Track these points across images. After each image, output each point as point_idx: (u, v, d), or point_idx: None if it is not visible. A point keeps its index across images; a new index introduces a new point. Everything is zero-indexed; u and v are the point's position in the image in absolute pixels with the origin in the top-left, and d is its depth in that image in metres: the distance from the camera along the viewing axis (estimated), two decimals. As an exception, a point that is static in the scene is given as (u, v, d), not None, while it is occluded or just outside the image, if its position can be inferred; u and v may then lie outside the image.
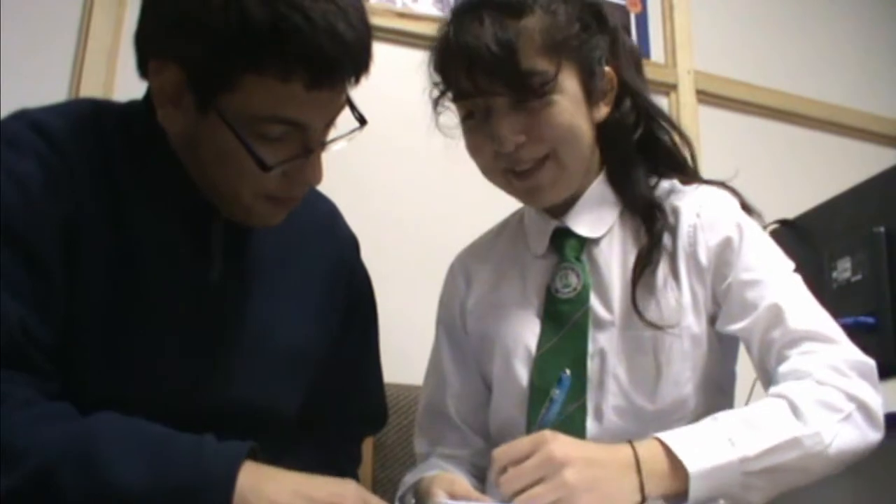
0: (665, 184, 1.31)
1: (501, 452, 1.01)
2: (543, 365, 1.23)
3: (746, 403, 1.56)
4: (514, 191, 1.28)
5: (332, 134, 1.09)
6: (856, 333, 1.56)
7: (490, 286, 1.36)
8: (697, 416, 1.18)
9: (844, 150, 3.31)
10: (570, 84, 1.21)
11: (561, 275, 1.27)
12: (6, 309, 0.94)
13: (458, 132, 1.29)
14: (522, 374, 1.25)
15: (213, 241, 1.12)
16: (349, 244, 1.35)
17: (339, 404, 1.30)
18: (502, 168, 1.24)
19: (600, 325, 1.23)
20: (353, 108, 1.10)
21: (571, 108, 1.21)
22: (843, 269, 1.67)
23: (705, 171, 3.02)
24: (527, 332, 1.27)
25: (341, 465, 1.33)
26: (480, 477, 1.33)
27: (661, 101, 3.01)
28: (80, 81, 1.98)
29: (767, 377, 1.17)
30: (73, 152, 1.03)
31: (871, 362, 1.14)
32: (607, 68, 1.27)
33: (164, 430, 0.95)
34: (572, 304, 1.24)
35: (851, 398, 1.08)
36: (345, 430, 1.35)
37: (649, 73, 2.99)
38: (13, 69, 1.91)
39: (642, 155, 1.31)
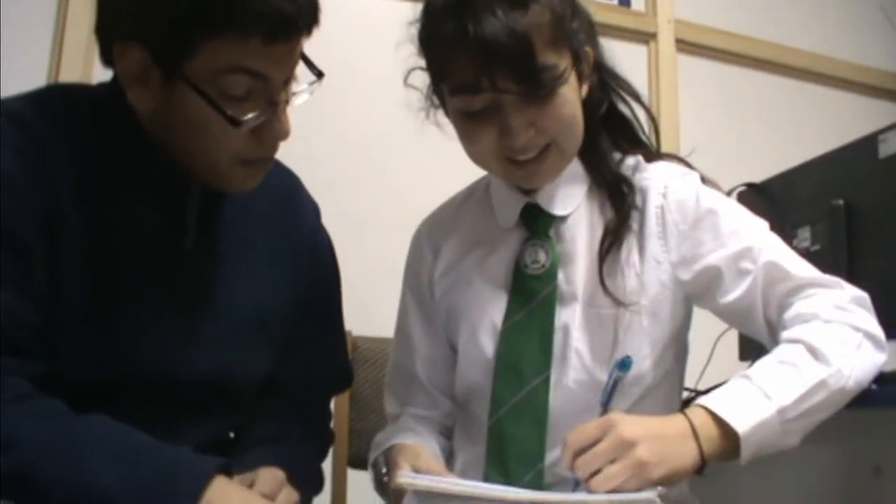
0: (630, 160, 1.34)
1: (574, 439, 1.08)
2: (510, 338, 1.27)
3: (705, 367, 1.64)
4: (510, 176, 1.31)
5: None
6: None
7: (456, 257, 1.40)
8: (653, 388, 1.27)
9: (826, 99, 3.34)
10: (570, 70, 1.23)
11: (530, 251, 1.31)
12: None
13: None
14: (488, 345, 1.30)
15: (187, 211, 1.17)
16: (310, 212, 1.40)
17: (305, 367, 1.36)
18: (503, 156, 1.26)
19: (565, 301, 1.27)
20: (309, 64, 1.15)
21: (573, 98, 1.24)
22: (804, 238, 1.71)
23: (684, 120, 3.07)
24: (492, 305, 1.31)
25: (312, 423, 1.39)
26: (448, 435, 1.40)
27: (641, 51, 3.04)
28: (58, 70, 1.99)
29: (772, 329, 1.24)
30: (48, 140, 1.07)
31: (865, 295, 1.23)
32: (587, 48, 1.30)
33: (148, 440, 1.01)
34: (540, 281, 1.28)
35: (857, 329, 1.17)
36: (312, 392, 1.40)
37: (629, 21, 3.04)
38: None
39: (606, 130, 1.34)
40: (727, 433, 1.08)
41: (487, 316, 1.31)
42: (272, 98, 1.10)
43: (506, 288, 1.32)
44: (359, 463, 1.84)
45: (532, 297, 1.28)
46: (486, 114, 1.22)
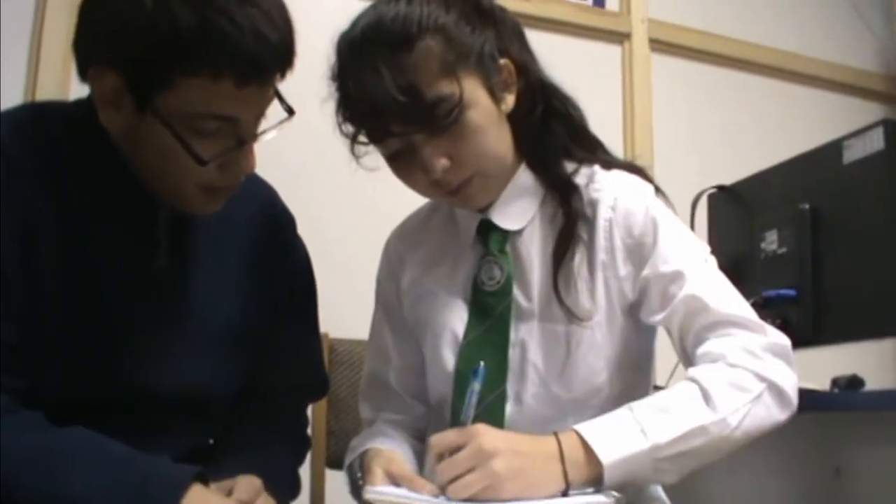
0: (584, 170, 1.32)
1: (436, 442, 1.10)
2: (468, 353, 1.29)
3: (670, 378, 1.66)
4: (450, 202, 1.33)
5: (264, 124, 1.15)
6: (777, 304, 1.68)
7: (422, 271, 1.41)
8: (615, 399, 1.26)
9: (800, 98, 3.36)
10: (475, 94, 1.21)
11: (486, 268, 1.31)
12: None
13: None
14: (449, 358, 1.31)
15: (159, 229, 1.19)
16: (285, 223, 1.41)
17: (280, 377, 1.37)
18: (434, 188, 1.26)
19: (522, 315, 1.29)
20: (282, 100, 1.16)
21: (484, 120, 1.22)
22: (771, 241, 1.75)
23: (658, 120, 3.09)
24: (455, 319, 1.32)
25: (289, 431, 1.41)
26: (421, 438, 1.41)
27: (615, 51, 3.07)
28: (35, 84, 1.99)
29: (687, 359, 1.24)
30: (22, 161, 1.09)
31: (785, 343, 1.18)
32: (502, 60, 1.26)
33: (125, 450, 1.03)
34: (496, 297, 1.29)
35: (762, 379, 1.13)
36: (288, 401, 1.42)
37: (603, 21, 3.06)
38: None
39: (549, 135, 1.32)
40: (593, 461, 1.08)
41: (449, 329, 1.33)
42: (241, 138, 1.11)
43: (467, 303, 1.33)
44: (336, 463, 1.86)
45: (489, 313, 1.30)
46: (404, 154, 1.23)
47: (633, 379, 1.32)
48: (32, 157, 1.10)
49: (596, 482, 1.09)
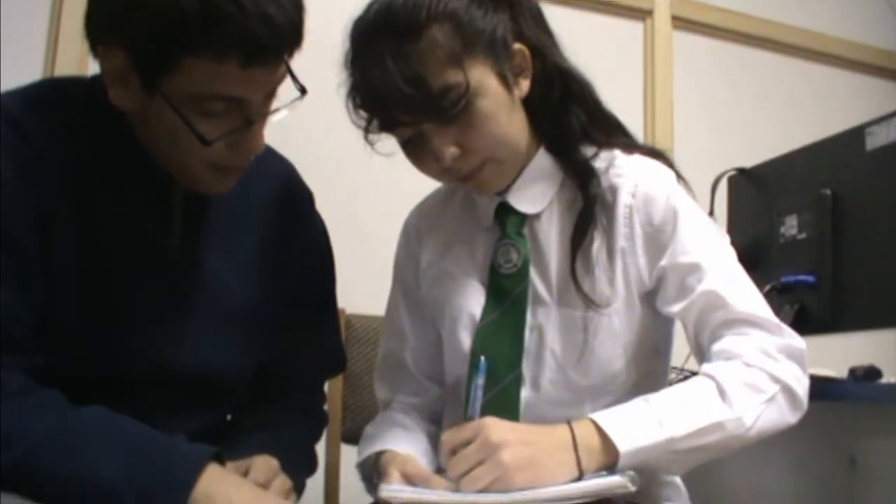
0: (605, 154, 1.31)
1: (448, 438, 1.11)
2: (484, 335, 1.29)
3: (686, 361, 1.65)
4: (465, 187, 1.32)
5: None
6: (796, 290, 1.68)
7: (440, 253, 1.41)
8: (632, 385, 1.27)
9: (823, 77, 3.32)
10: (485, 81, 1.20)
11: (503, 250, 1.31)
12: None
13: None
14: (465, 340, 1.31)
15: (173, 208, 1.19)
16: (304, 199, 1.41)
17: (298, 355, 1.38)
18: (448, 177, 1.28)
19: (539, 300, 1.28)
20: (294, 79, 1.15)
21: (494, 107, 1.21)
22: (791, 226, 1.74)
23: (679, 98, 3.07)
24: (472, 302, 1.32)
25: (306, 408, 1.43)
26: (437, 421, 1.42)
27: (636, 27, 3.04)
28: (54, 60, 1.99)
29: (701, 353, 1.24)
30: (39, 138, 1.09)
31: (801, 346, 1.19)
32: (516, 45, 1.25)
33: (144, 429, 1.04)
34: (513, 280, 1.29)
35: (776, 380, 1.14)
36: (306, 378, 1.43)
37: (625, -1, 3.01)
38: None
39: (568, 118, 1.31)
40: (608, 449, 1.08)
41: (466, 311, 1.33)
42: (248, 117, 1.11)
43: (485, 285, 1.33)
44: (352, 439, 1.88)
45: (505, 296, 1.30)
46: (415, 141, 1.23)
47: (651, 365, 1.32)
48: (49, 133, 1.11)
49: (609, 470, 1.10)
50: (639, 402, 1.13)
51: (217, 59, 1.02)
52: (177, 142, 1.09)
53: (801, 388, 1.17)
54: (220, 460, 1.06)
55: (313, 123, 2.07)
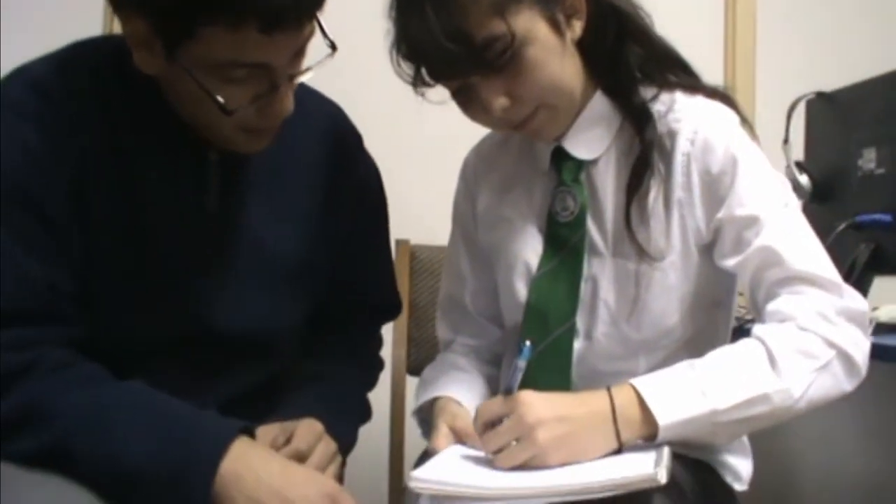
0: (665, 96, 1.27)
1: (481, 411, 1.09)
2: (540, 286, 1.28)
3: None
4: (519, 134, 1.29)
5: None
6: (871, 228, 1.60)
7: (497, 196, 1.39)
8: (688, 340, 1.25)
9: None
10: (533, 28, 1.16)
11: (560, 197, 1.29)
12: (30, 269, 1.05)
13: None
14: (521, 289, 1.30)
15: (209, 165, 1.19)
16: (351, 141, 1.40)
17: (352, 300, 1.39)
18: (500, 126, 1.26)
19: (595, 250, 1.26)
20: (325, 35, 1.12)
21: (544, 54, 1.17)
22: (869, 159, 1.65)
23: (762, 11, 2.91)
24: (528, 250, 1.31)
25: (361, 356, 1.45)
26: (497, 363, 1.43)
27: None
28: (113, 19, 1.98)
29: (756, 310, 1.20)
30: (72, 107, 1.10)
31: (862, 307, 1.14)
32: None
33: (173, 406, 1.06)
34: (570, 228, 1.27)
35: (832, 345, 1.10)
36: (360, 324, 1.44)
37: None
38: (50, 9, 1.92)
39: (627, 59, 1.26)
40: (648, 420, 1.06)
41: (521, 259, 1.31)
42: (274, 81, 1.09)
43: (542, 232, 1.32)
44: (417, 371, 1.90)
45: (563, 244, 1.28)
46: (465, 91, 1.20)
47: (711, 317, 1.29)
48: (82, 101, 1.11)
49: (648, 440, 1.08)
50: (684, 368, 1.11)
51: (234, 27, 1.00)
52: (202, 107, 1.09)
53: (860, 353, 1.12)
54: (251, 433, 1.08)
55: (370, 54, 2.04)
